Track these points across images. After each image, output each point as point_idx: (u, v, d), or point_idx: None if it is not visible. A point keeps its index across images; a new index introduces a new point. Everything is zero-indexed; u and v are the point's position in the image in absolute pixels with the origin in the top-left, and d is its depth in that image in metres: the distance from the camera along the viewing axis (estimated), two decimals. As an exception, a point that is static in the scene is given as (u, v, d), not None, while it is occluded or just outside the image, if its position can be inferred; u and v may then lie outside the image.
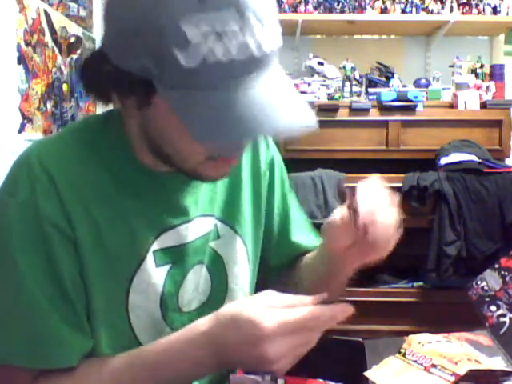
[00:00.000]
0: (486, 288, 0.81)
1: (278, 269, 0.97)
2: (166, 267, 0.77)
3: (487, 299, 0.81)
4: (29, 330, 0.68)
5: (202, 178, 0.72)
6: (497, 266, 0.82)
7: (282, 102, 0.63)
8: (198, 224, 0.80)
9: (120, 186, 0.73)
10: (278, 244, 0.95)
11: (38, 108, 1.84)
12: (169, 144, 0.67)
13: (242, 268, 0.86)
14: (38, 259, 0.68)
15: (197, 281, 0.81)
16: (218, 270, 0.84)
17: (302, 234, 0.97)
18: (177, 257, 0.78)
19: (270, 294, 0.64)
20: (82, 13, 2.30)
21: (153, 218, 0.76)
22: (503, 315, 0.79)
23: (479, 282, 0.82)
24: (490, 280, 0.81)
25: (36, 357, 0.68)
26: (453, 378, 0.70)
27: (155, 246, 0.76)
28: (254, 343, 0.60)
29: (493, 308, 0.80)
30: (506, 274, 0.80)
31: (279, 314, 0.60)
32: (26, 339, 0.68)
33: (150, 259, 0.75)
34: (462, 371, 0.70)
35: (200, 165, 0.68)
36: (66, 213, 0.69)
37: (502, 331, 0.81)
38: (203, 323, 0.65)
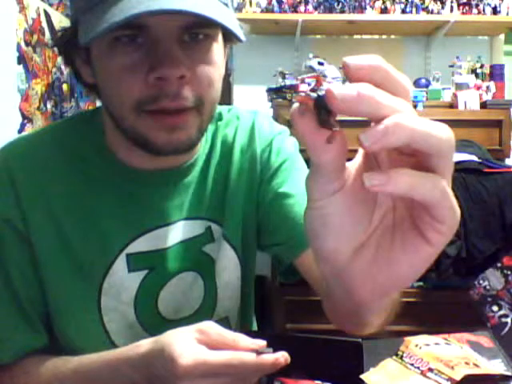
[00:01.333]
0: (488, 287, 0.80)
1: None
2: (142, 273, 0.74)
3: (489, 299, 0.80)
4: None
5: (149, 144, 0.65)
6: (499, 265, 0.82)
7: None
8: (182, 228, 0.76)
9: (94, 185, 0.71)
10: (288, 230, 0.79)
11: (38, 108, 1.84)
12: (107, 99, 0.66)
13: (231, 272, 0.82)
14: None
15: (185, 289, 0.78)
16: (211, 276, 0.80)
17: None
18: (155, 262, 0.75)
19: (207, 327, 0.58)
20: (82, 13, 2.30)
21: (128, 220, 0.72)
22: (505, 315, 0.78)
23: (481, 282, 0.81)
24: (492, 279, 0.80)
25: None
26: (449, 383, 0.70)
27: (129, 250, 0.73)
28: (170, 379, 0.56)
29: (495, 308, 0.80)
30: (509, 273, 0.80)
31: (200, 353, 0.56)
32: None
33: (120, 263, 0.72)
34: (458, 376, 0.70)
35: (137, 120, 0.63)
36: (21, 211, 0.68)
37: (504, 332, 0.80)
38: (144, 345, 0.61)
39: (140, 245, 0.73)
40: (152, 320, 0.76)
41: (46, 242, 0.69)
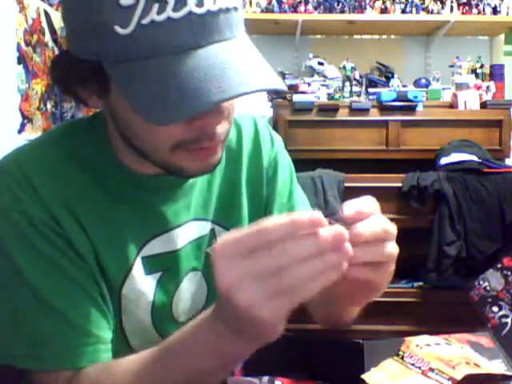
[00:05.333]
0: (488, 288, 0.80)
1: None
2: (157, 275, 0.75)
3: (489, 300, 0.80)
4: (55, 331, 0.65)
5: (181, 172, 0.67)
6: (499, 265, 0.82)
7: (234, 66, 0.56)
8: (190, 228, 0.77)
9: (105, 192, 0.71)
10: None
11: (38, 108, 1.84)
12: (134, 135, 0.64)
13: None
14: (42, 261, 0.66)
15: (192, 289, 0.79)
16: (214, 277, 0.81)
17: None
18: (168, 264, 0.75)
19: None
20: (82, 13, 2.30)
21: (141, 224, 0.73)
22: (505, 316, 0.78)
23: (481, 282, 0.81)
24: (492, 280, 0.80)
25: (68, 358, 0.65)
26: (450, 383, 0.70)
27: (144, 253, 0.73)
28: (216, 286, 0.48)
29: (495, 309, 0.80)
30: (509, 273, 0.80)
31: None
32: (55, 341, 0.65)
33: (138, 266, 0.73)
34: (459, 376, 0.70)
35: (172, 155, 0.63)
36: (53, 216, 0.66)
37: (504, 332, 0.80)
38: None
39: (153, 247, 0.74)
40: (166, 323, 0.76)
41: (80, 244, 0.68)
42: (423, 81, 3.02)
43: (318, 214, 0.47)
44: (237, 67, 0.56)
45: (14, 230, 0.66)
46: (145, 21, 0.53)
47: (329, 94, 2.89)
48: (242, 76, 0.56)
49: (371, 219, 0.53)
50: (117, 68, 0.57)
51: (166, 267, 0.76)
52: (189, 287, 0.78)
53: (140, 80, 0.56)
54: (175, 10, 0.54)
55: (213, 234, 0.80)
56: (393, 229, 0.55)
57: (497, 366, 0.76)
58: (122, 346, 0.73)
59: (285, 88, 0.60)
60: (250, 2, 2.98)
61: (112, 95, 0.62)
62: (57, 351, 0.65)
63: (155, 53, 0.55)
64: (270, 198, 0.86)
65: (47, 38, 1.89)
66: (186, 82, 0.54)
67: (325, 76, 2.96)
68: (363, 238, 0.51)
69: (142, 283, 0.73)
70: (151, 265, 0.74)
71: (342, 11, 2.99)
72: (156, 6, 0.53)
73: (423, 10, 3.02)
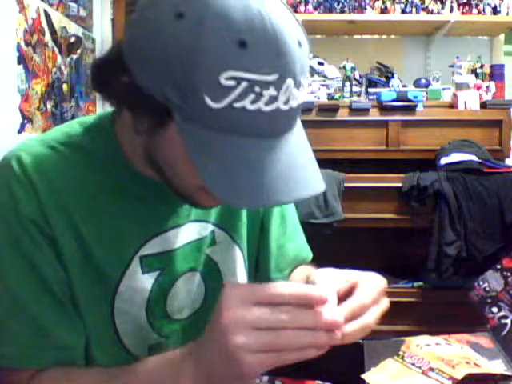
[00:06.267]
0: (487, 289, 0.81)
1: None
2: (154, 274, 0.76)
3: (489, 300, 0.80)
4: (20, 330, 0.68)
5: (194, 204, 0.71)
6: (499, 266, 0.82)
7: (300, 172, 0.60)
8: (189, 230, 0.79)
9: (107, 190, 0.72)
10: (276, 256, 0.90)
11: (38, 108, 1.84)
12: (170, 170, 0.65)
13: (240, 276, 0.85)
14: (21, 259, 0.68)
15: (189, 288, 0.80)
16: (214, 278, 0.82)
17: (298, 244, 0.94)
18: (165, 263, 0.76)
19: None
20: (82, 13, 2.30)
21: (141, 224, 0.74)
22: (505, 317, 0.79)
23: (481, 283, 0.81)
24: (491, 281, 0.80)
25: (28, 357, 0.68)
26: (450, 382, 0.70)
27: (142, 252, 0.74)
28: (214, 320, 0.54)
29: (494, 309, 0.80)
30: (509, 274, 0.80)
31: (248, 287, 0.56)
32: (19, 340, 0.68)
33: (135, 265, 0.74)
34: (459, 375, 0.70)
35: (195, 192, 0.66)
36: (45, 215, 0.68)
37: (504, 333, 0.80)
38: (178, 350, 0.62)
39: (152, 247, 0.75)
40: (160, 320, 0.77)
41: (67, 246, 0.69)
42: (423, 81, 3.02)
43: (330, 295, 0.55)
44: (300, 167, 0.60)
45: (5, 224, 0.68)
46: (237, 105, 0.54)
47: (329, 94, 2.89)
48: (305, 177, 0.60)
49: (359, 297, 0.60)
50: (189, 126, 0.57)
51: (163, 266, 0.76)
52: (185, 286, 0.79)
53: (212, 150, 0.56)
54: (267, 104, 0.55)
55: (212, 236, 0.81)
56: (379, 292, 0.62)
57: (496, 366, 0.76)
58: (116, 348, 0.74)
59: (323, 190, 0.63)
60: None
61: (162, 132, 0.61)
62: (19, 349, 0.68)
63: (234, 132, 0.56)
64: (265, 213, 0.89)
65: (47, 38, 1.89)
66: (260, 170, 0.56)
67: (325, 76, 2.96)
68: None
69: (139, 281, 0.74)
70: (149, 264, 0.75)
71: (342, 11, 2.99)
72: (251, 96, 0.54)
73: (423, 10, 3.02)
